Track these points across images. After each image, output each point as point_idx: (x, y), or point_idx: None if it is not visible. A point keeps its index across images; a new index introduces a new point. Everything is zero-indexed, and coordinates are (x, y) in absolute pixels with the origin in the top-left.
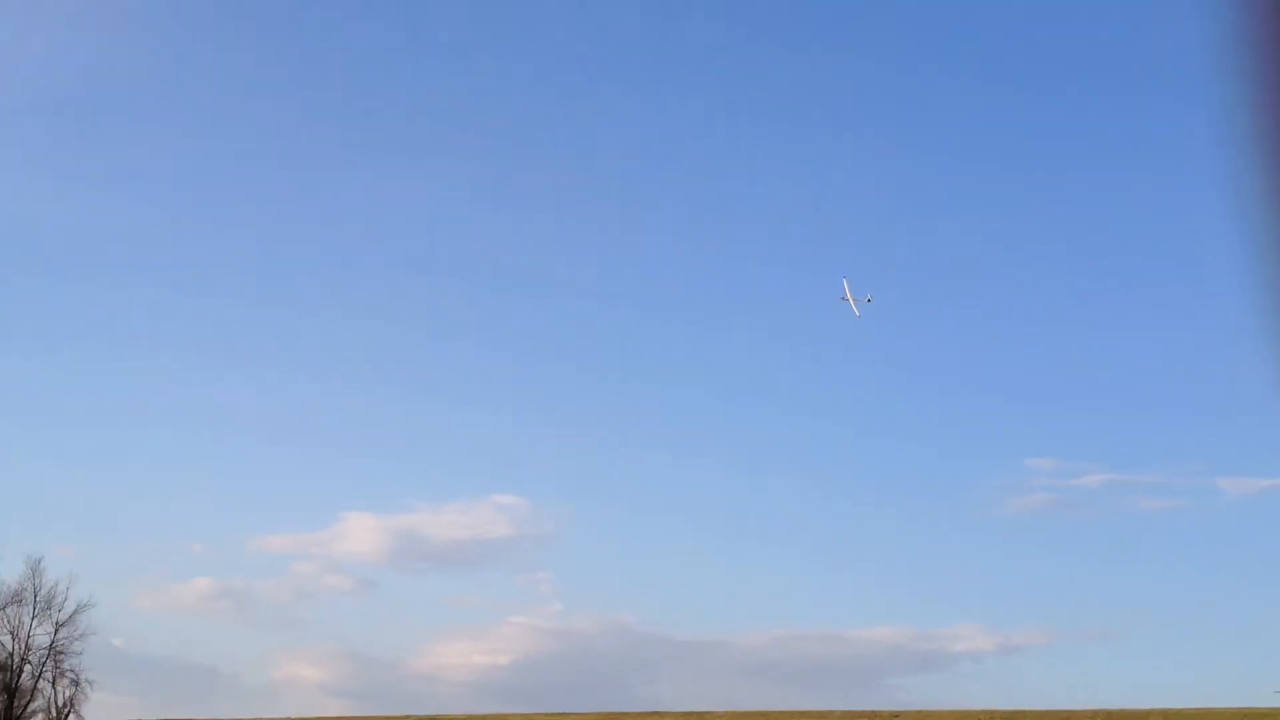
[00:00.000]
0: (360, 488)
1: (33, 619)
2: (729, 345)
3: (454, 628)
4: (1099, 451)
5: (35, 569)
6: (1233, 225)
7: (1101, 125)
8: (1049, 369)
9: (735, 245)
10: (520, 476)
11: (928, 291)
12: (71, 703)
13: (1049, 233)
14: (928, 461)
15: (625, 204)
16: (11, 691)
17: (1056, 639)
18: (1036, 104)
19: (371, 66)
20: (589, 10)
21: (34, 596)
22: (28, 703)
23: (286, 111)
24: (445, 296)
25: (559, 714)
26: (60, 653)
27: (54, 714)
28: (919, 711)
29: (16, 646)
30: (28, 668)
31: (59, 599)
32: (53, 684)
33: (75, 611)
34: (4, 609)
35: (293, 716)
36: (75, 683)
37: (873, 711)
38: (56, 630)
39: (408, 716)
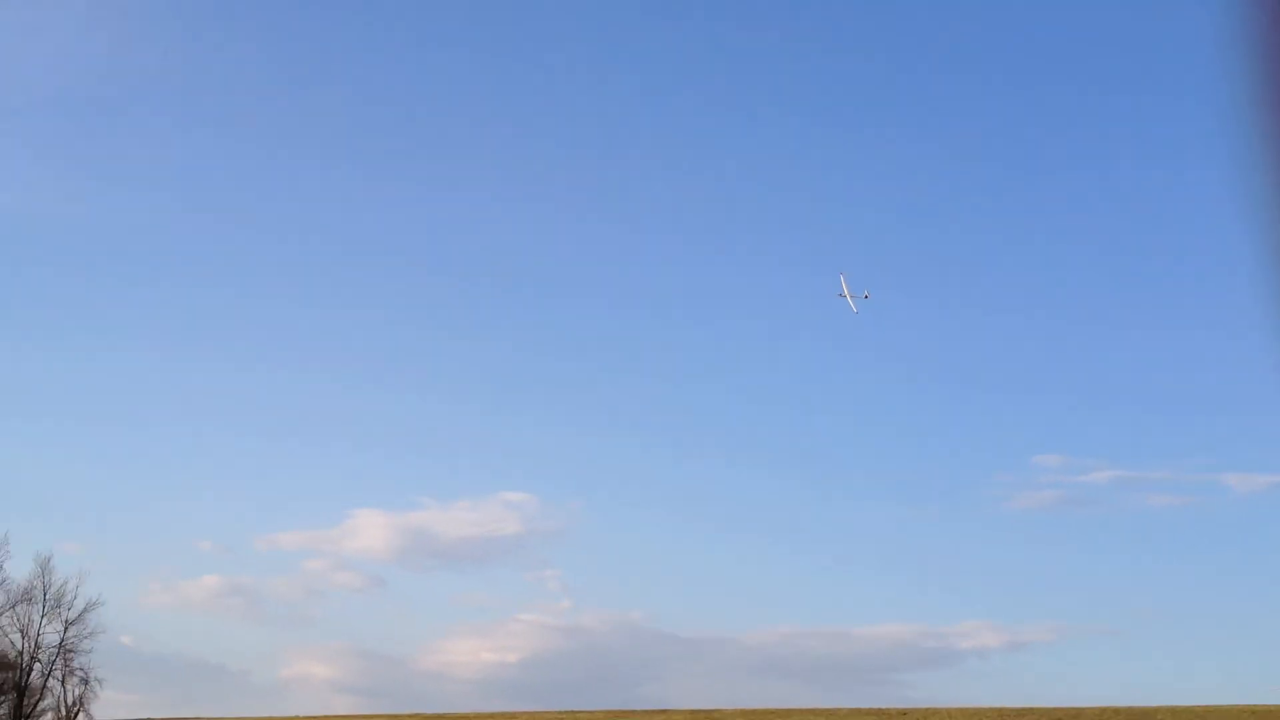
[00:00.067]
0: (370, 485)
1: (42, 617)
2: (736, 343)
3: (463, 625)
4: (1106, 448)
5: (45, 567)
6: (1240, 222)
7: (1105, 122)
8: (1056, 365)
9: (746, 243)
10: (529, 474)
11: (936, 288)
12: (81, 701)
13: (1057, 229)
14: (935, 458)
15: (635, 202)
16: (21, 690)
17: (1064, 636)
18: (1041, 100)
19: (382, 64)
20: (590, 8)
21: (43, 595)
22: (37, 701)
23: (299, 108)
24: (455, 294)
25: (567, 711)
26: (70, 651)
27: (63, 712)
28: (927, 709)
29: (26, 645)
30: (37, 666)
31: (68, 597)
32: (62, 682)
33: (84, 610)
34: (14, 607)
35: (301, 715)
36: (84, 681)
37: (880, 709)
38: (66, 628)
39: (416, 715)
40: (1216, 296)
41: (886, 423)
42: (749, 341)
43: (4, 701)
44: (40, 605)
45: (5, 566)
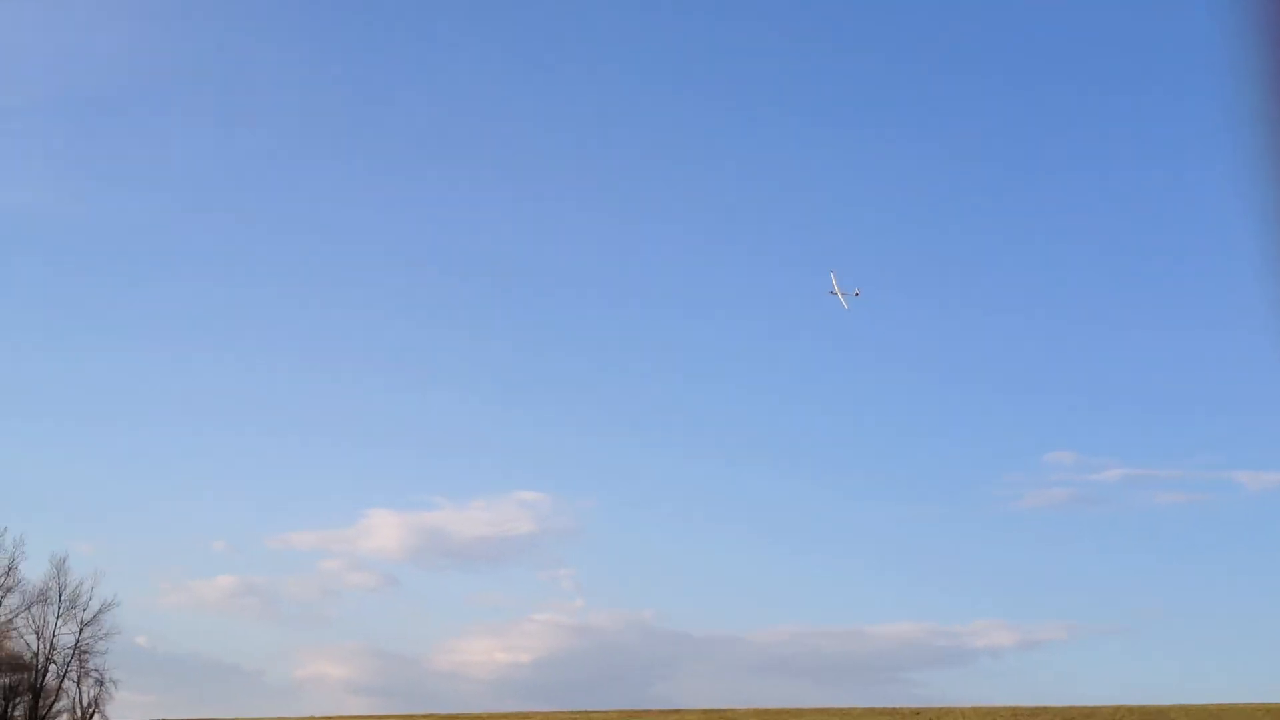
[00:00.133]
0: (384, 484)
1: (57, 618)
2: (748, 343)
3: (477, 624)
4: (1117, 446)
5: (60, 568)
6: (1248, 220)
7: (1109, 120)
8: (1067, 364)
9: (760, 243)
10: (542, 473)
11: (946, 289)
12: (96, 702)
13: (1067, 229)
14: (947, 457)
15: (652, 202)
16: (37, 691)
17: (1077, 634)
18: (1047, 98)
19: (385, 64)
20: (591, 8)
21: (59, 596)
22: (53, 702)
23: (303, 108)
24: (467, 294)
25: (580, 711)
26: (85, 652)
27: (79, 714)
28: (940, 708)
29: (42, 646)
30: (53, 667)
31: (84, 598)
32: (77, 683)
33: (100, 611)
34: (29, 608)
35: (316, 715)
36: (100, 682)
37: (893, 708)
38: (81, 630)
39: (430, 715)
40: (1229, 294)
41: (898, 422)
42: (760, 341)
43: (20, 703)
44: (56, 606)
45: (20, 568)
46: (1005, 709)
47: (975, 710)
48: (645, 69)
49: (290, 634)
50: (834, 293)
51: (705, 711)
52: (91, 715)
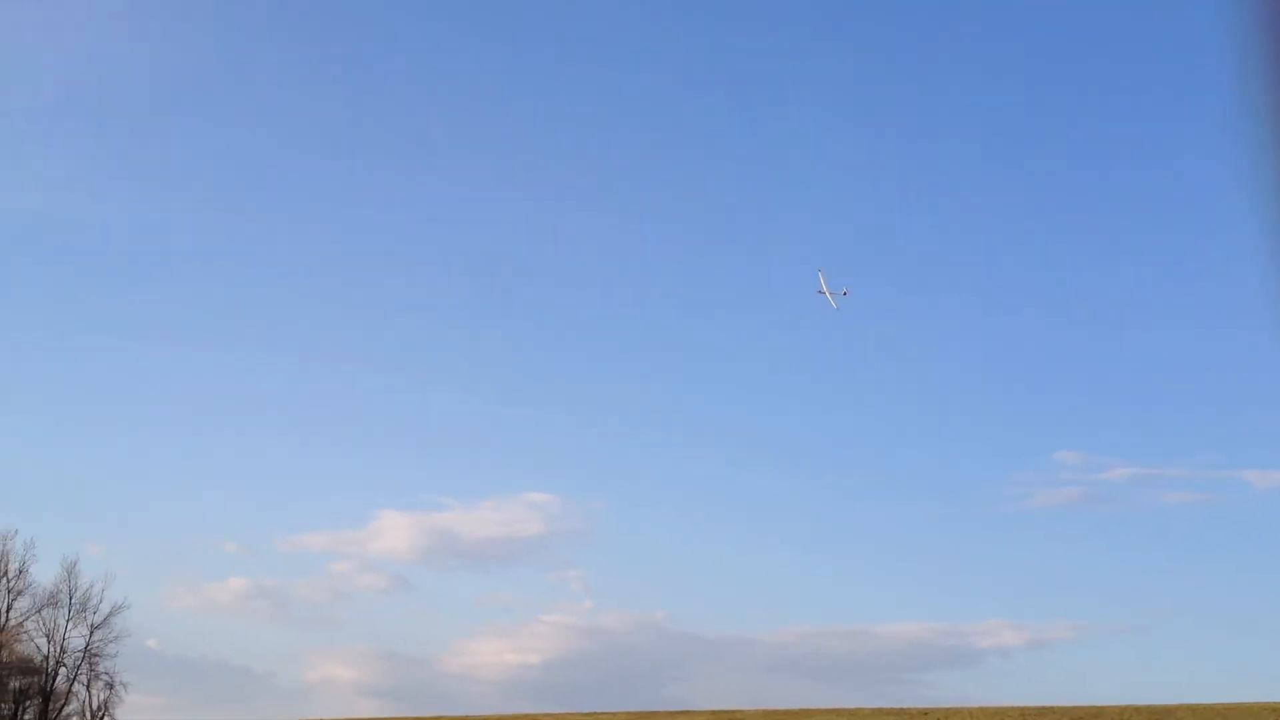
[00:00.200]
0: (394, 486)
1: (68, 621)
2: (758, 343)
3: (487, 626)
4: (1125, 445)
5: (71, 571)
6: (1255, 218)
7: (1113, 119)
8: (1075, 363)
9: (760, 243)
10: (552, 474)
11: (955, 288)
12: (106, 705)
13: (1076, 228)
14: (955, 456)
15: (652, 202)
16: (47, 694)
17: (1085, 634)
18: (1051, 97)
19: (388, 64)
20: (591, 8)
21: (69, 599)
22: (63, 706)
23: (310, 108)
24: (471, 293)
25: (590, 713)
26: (95, 655)
27: (89, 717)
28: (948, 708)
29: (52, 649)
30: (63, 670)
31: (94, 601)
32: (88, 687)
33: (110, 613)
34: (39, 611)
35: (326, 718)
36: (110, 685)
37: (902, 709)
38: (91, 633)
39: (440, 717)
40: (1235, 293)
41: (906, 422)
42: (770, 341)
43: (30, 706)
44: (66, 609)
45: (31, 570)
46: (1013, 709)
47: (983, 710)
48: (645, 68)
49: (301, 636)
50: (822, 292)
51: (715, 713)
52: (102, 718)
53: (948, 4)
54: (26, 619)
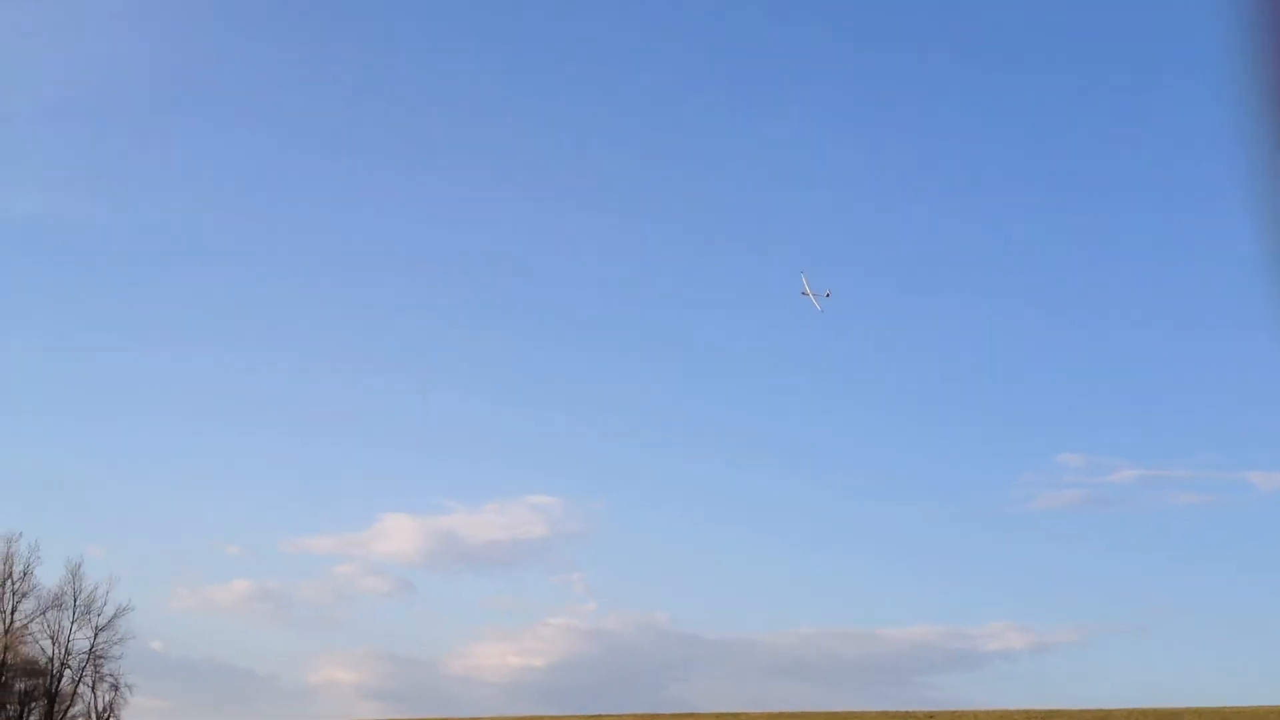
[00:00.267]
0: (397, 488)
1: (72, 623)
2: (756, 343)
3: (490, 628)
4: (1129, 447)
5: (75, 573)
6: (1255, 218)
7: (1113, 119)
8: (1079, 365)
9: (760, 243)
10: (555, 477)
11: (956, 288)
12: (111, 707)
13: (1081, 229)
14: (959, 458)
15: (652, 202)
16: (52, 697)
17: (1089, 636)
18: (1051, 96)
19: (391, 64)
20: (591, 7)
21: (74, 601)
22: (68, 708)
23: (310, 108)
24: (478, 294)
25: (593, 715)
26: (100, 657)
27: (93, 719)
28: (953, 711)
29: (57, 651)
30: (67, 673)
31: (98, 603)
32: (92, 689)
33: (114, 615)
34: (44, 613)
35: None
36: (115, 687)
37: (906, 711)
38: (96, 635)
39: None
40: (1240, 294)
41: (911, 424)
42: (770, 341)
43: (35, 708)
44: (70, 611)
45: (36, 573)
46: (1018, 712)
47: (988, 713)
48: (645, 68)
49: (304, 638)
50: (805, 294)
51: (718, 715)
52: None
53: (948, 4)
54: (31, 621)
